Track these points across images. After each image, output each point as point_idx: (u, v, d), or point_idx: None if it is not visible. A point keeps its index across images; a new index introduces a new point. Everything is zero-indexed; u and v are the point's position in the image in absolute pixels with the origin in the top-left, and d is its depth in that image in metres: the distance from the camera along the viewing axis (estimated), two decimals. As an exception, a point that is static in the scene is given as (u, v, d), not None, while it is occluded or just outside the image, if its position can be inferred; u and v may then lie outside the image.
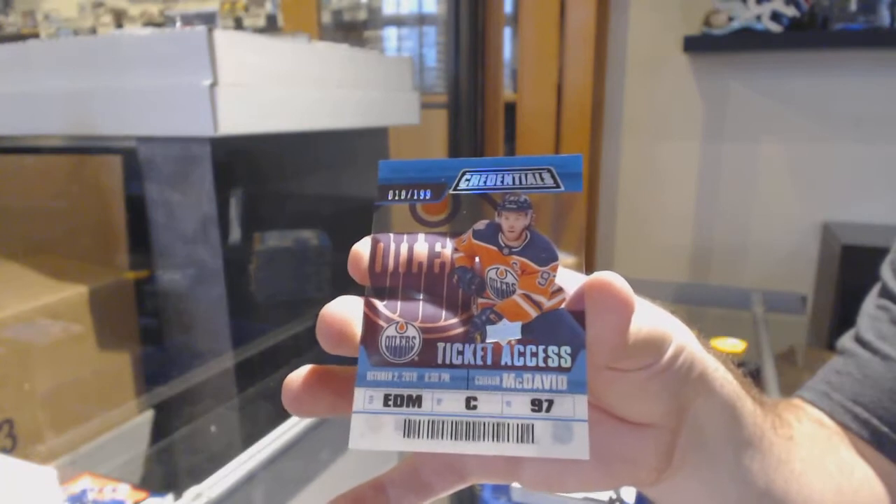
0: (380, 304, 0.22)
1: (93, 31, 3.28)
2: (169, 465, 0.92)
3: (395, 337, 0.21)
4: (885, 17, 1.55)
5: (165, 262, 0.93)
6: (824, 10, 1.59)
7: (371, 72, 1.22)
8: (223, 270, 0.90)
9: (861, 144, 1.67)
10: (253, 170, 1.02)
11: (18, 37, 1.88)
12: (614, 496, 0.64)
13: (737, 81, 1.74)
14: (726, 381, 0.27)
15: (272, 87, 0.93)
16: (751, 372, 0.99)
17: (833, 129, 1.69)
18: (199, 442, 0.94)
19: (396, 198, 0.23)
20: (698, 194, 1.84)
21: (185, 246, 0.91)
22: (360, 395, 0.21)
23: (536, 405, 0.20)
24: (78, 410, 0.90)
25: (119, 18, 3.29)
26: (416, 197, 0.23)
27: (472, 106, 1.64)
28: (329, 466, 0.81)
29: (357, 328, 0.21)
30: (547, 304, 0.21)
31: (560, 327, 0.21)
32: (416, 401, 0.20)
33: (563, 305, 0.21)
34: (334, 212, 1.23)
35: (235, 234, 0.95)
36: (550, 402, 0.20)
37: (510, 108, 1.85)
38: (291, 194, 1.13)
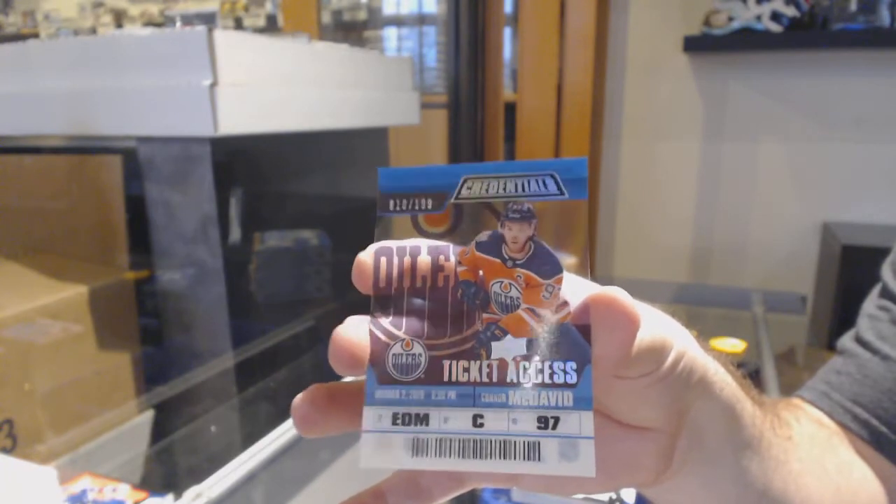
0: (385, 322, 0.21)
1: (93, 31, 3.28)
2: (169, 465, 0.92)
3: (402, 354, 0.21)
4: (885, 17, 1.55)
5: (165, 262, 0.93)
6: (824, 10, 1.59)
7: (371, 72, 1.22)
8: (223, 270, 0.90)
9: (861, 144, 1.67)
10: (253, 170, 1.02)
11: (18, 37, 1.88)
12: (614, 496, 0.64)
13: (737, 81, 1.74)
14: (726, 383, 0.27)
15: (272, 87, 0.93)
16: (751, 372, 0.99)
17: (833, 129, 1.69)
18: (199, 442, 0.94)
19: (398, 208, 0.23)
20: (698, 194, 1.84)
21: (185, 246, 0.91)
22: (370, 414, 0.21)
23: (542, 422, 0.20)
24: (78, 410, 0.90)
25: (119, 18, 3.29)
26: (417, 207, 0.22)
27: (472, 106, 1.64)
28: (329, 466, 0.81)
29: (359, 350, 0.21)
30: (552, 318, 0.21)
31: (565, 342, 0.20)
32: (424, 419, 0.20)
33: (568, 320, 0.21)
34: (334, 212, 1.23)
35: (235, 234, 0.95)
36: (556, 419, 0.20)
37: (510, 108, 1.85)
38: (291, 194, 1.13)
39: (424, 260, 0.22)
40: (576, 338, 0.20)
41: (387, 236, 0.22)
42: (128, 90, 0.86)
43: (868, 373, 0.43)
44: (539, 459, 0.20)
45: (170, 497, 0.67)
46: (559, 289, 0.21)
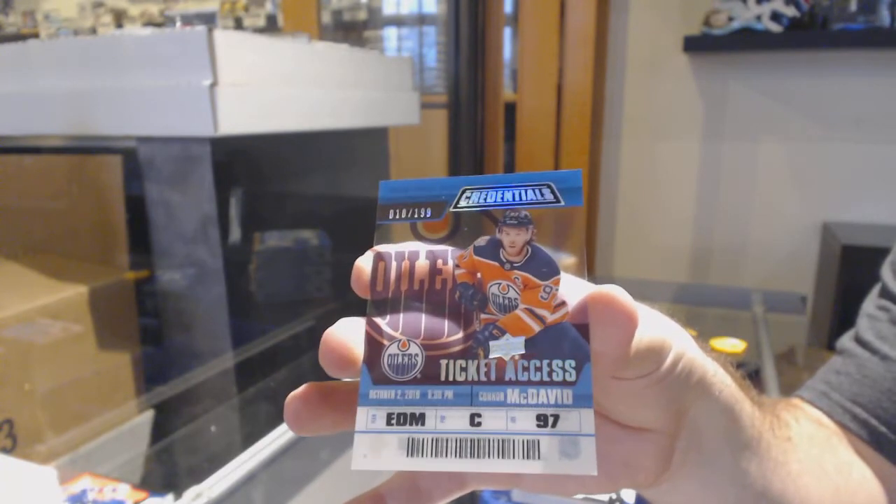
0: (382, 322, 0.21)
1: (93, 31, 3.28)
2: (169, 465, 0.92)
3: (398, 355, 0.21)
4: (885, 17, 1.55)
5: (165, 262, 0.93)
6: (824, 10, 1.59)
7: (371, 72, 1.22)
8: (223, 270, 0.90)
9: (861, 144, 1.67)
10: (253, 170, 1.02)
11: (18, 37, 1.88)
12: (614, 496, 0.64)
13: (737, 81, 1.74)
14: (724, 384, 0.27)
15: (272, 87, 0.93)
16: (751, 372, 0.99)
17: (833, 129, 1.69)
18: (199, 442, 0.94)
19: (397, 217, 0.23)
20: (698, 194, 1.84)
21: (185, 246, 0.91)
22: (363, 415, 0.20)
23: (542, 420, 0.20)
24: (78, 410, 0.90)
25: (119, 18, 3.29)
26: (416, 216, 0.23)
27: (472, 106, 1.64)
28: (329, 466, 0.81)
29: (359, 352, 0.21)
30: (550, 317, 0.21)
31: (564, 341, 0.20)
32: (420, 419, 0.20)
33: (566, 319, 0.21)
34: (334, 212, 1.23)
35: (235, 234, 0.95)
36: (556, 417, 0.20)
37: (510, 108, 1.85)
38: (291, 194, 1.13)
39: (422, 263, 0.22)
40: (574, 336, 0.20)
41: (386, 243, 0.23)
42: (128, 90, 0.86)
43: (867, 373, 0.43)
44: (539, 458, 0.19)
45: (170, 497, 0.67)
46: (557, 289, 0.21)
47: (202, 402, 0.96)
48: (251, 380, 0.99)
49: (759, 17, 1.60)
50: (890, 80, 1.62)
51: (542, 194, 0.22)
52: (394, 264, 0.22)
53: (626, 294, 0.20)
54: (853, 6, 1.56)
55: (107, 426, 0.89)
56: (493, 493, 0.71)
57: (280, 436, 0.79)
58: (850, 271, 1.44)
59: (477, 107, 1.66)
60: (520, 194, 0.22)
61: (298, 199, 1.15)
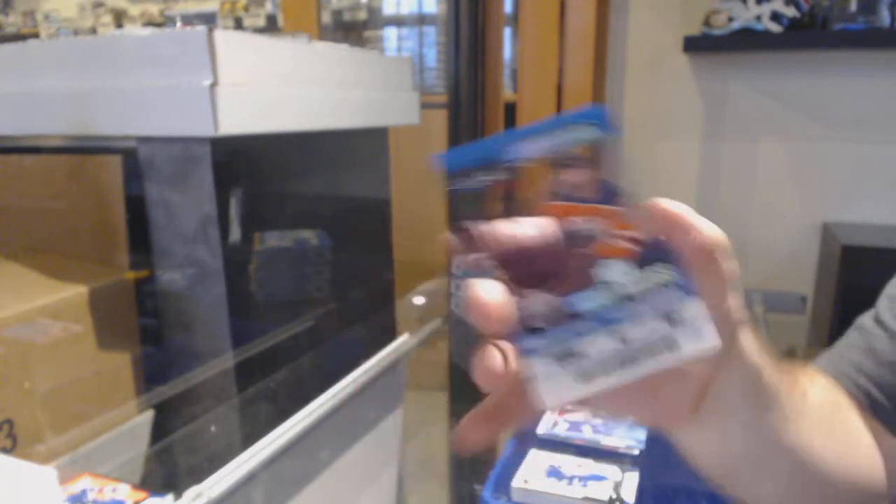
0: (509, 283, 0.24)
1: (93, 31, 3.29)
2: (169, 465, 0.92)
3: (534, 305, 0.24)
4: (885, 17, 1.55)
5: (165, 262, 0.93)
6: (824, 10, 1.59)
7: (371, 72, 1.22)
8: (223, 270, 0.90)
9: (861, 144, 1.67)
10: (253, 170, 1.02)
11: (18, 37, 1.88)
12: (614, 496, 0.64)
13: (737, 81, 1.74)
14: (753, 342, 0.31)
15: (272, 87, 0.93)
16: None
17: (833, 129, 1.69)
18: (199, 442, 0.94)
19: (466, 184, 0.25)
20: (698, 194, 1.84)
21: (185, 246, 0.91)
22: (534, 364, 0.24)
23: (669, 319, 0.24)
24: (78, 410, 0.90)
25: (119, 18, 3.29)
26: (484, 180, 0.25)
27: (472, 106, 1.64)
28: (329, 466, 0.81)
29: (508, 310, 0.24)
30: (635, 236, 0.24)
31: (655, 252, 0.24)
32: (579, 351, 0.24)
33: (649, 233, 0.24)
34: (334, 212, 1.23)
35: (235, 234, 0.95)
36: (678, 313, 0.24)
37: (510, 108, 1.85)
38: (291, 194, 1.13)
39: (513, 222, 0.25)
40: (661, 245, 0.24)
41: (461, 209, 0.25)
42: (128, 90, 0.86)
43: (874, 347, 0.46)
44: (679, 349, 0.24)
45: (170, 497, 0.67)
46: (631, 212, 0.24)
47: (202, 402, 0.96)
48: (251, 380, 0.99)
49: (759, 18, 1.60)
50: (890, 80, 1.62)
51: (584, 132, 0.24)
52: (489, 230, 0.25)
53: (682, 206, 0.25)
54: (853, 6, 1.56)
55: (107, 426, 0.89)
56: (493, 492, 0.71)
57: (280, 436, 0.79)
58: (850, 271, 1.44)
59: (477, 107, 1.65)
60: (567, 137, 0.25)
61: (298, 199, 1.15)
